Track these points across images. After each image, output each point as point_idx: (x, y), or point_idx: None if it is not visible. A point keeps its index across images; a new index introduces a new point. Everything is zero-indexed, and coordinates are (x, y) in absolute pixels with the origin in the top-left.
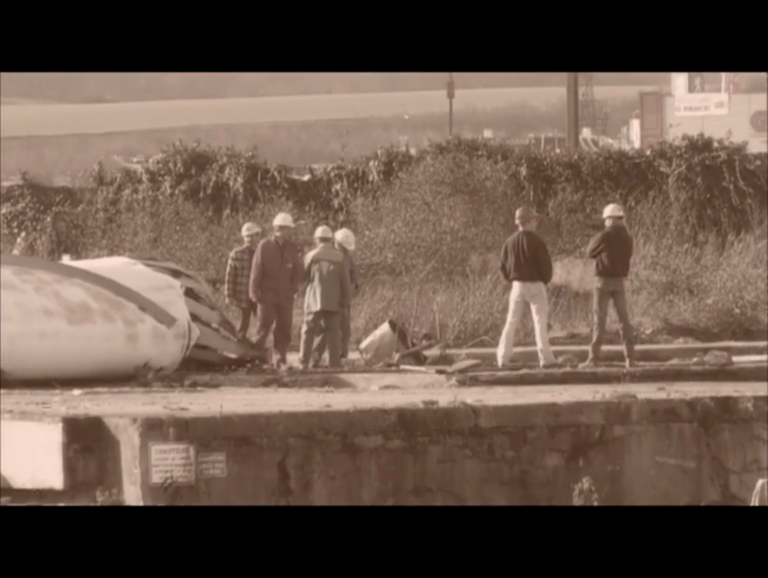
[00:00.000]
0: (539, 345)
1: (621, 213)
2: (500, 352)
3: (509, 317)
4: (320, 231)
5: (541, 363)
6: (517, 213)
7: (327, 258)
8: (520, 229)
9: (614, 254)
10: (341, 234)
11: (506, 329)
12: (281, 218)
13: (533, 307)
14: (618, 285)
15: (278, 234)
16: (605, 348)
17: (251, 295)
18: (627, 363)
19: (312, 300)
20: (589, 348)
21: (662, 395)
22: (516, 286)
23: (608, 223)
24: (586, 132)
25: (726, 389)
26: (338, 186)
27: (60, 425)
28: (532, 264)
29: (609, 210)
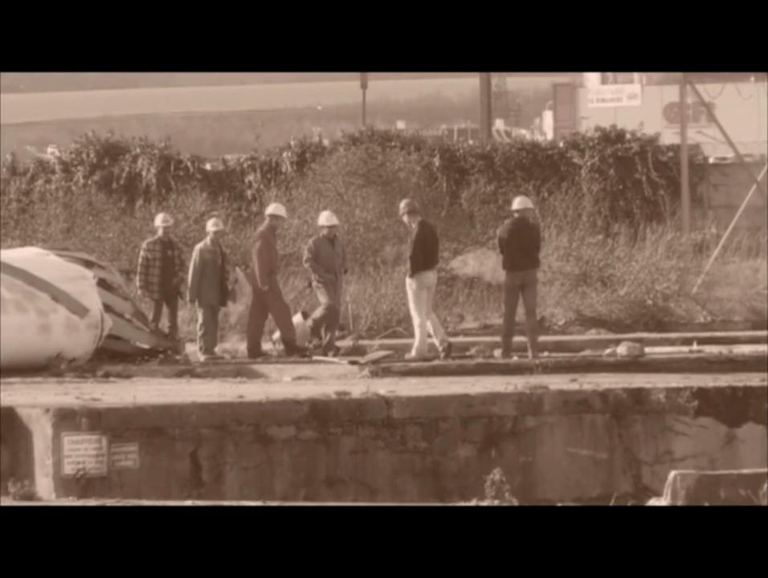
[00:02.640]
0: (439, 332)
1: (524, 206)
2: (423, 344)
3: (422, 312)
4: (211, 222)
5: (440, 348)
6: (405, 205)
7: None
8: (412, 219)
9: (514, 248)
10: (321, 217)
11: (422, 323)
12: (275, 208)
13: (430, 295)
14: (526, 278)
15: (272, 223)
16: (519, 339)
17: (265, 285)
18: (529, 354)
19: (210, 292)
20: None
21: (574, 386)
22: (429, 274)
23: (515, 216)
24: (498, 124)
25: (638, 381)
26: (251, 177)
27: None
28: (435, 252)
29: (514, 203)
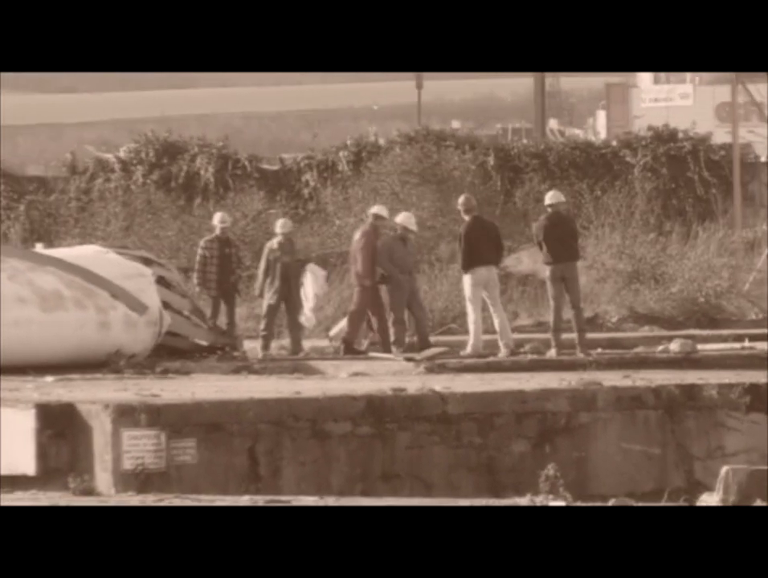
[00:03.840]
0: (505, 334)
1: (557, 200)
2: (478, 341)
3: (477, 309)
4: (280, 223)
5: (503, 351)
6: (463, 201)
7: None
8: (465, 215)
9: (554, 241)
10: (402, 217)
11: (477, 319)
12: (379, 208)
13: (493, 293)
14: (567, 270)
15: (375, 222)
16: (569, 336)
17: (371, 280)
18: (577, 351)
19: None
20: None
21: (627, 382)
22: (482, 270)
23: (549, 211)
24: (552, 123)
25: (691, 377)
26: (308, 176)
27: (33, 411)
28: (494, 248)
29: (546, 198)
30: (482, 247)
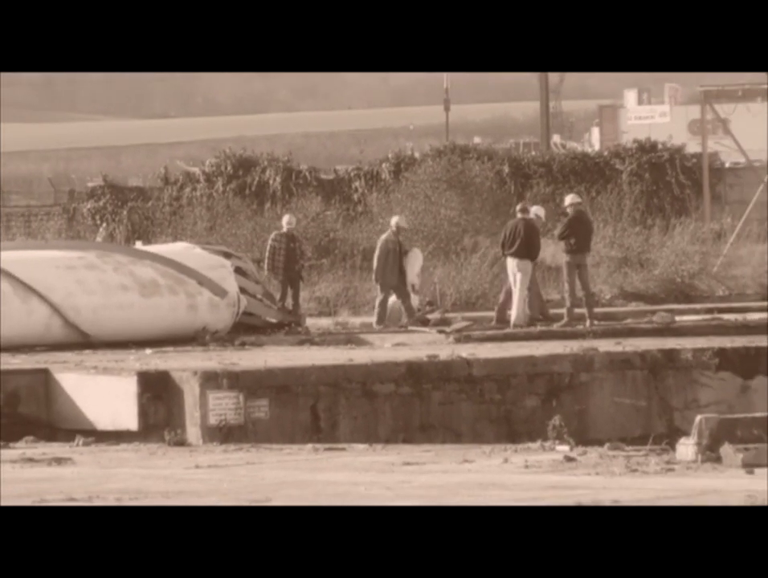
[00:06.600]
0: (514, 308)
1: (580, 200)
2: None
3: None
4: (395, 219)
5: (512, 322)
6: (519, 205)
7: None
8: (520, 216)
9: (579, 235)
10: (535, 208)
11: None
12: (527, 203)
13: (517, 278)
14: (583, 260)
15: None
16: (580, 310)
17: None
18: (587, 322)
19: (392, 276)
20: (563, 311)
21: (619, 348)
22: (509, 261)
23: (570, 210)
24: (555, 138)
25: (670, 343)
26: (357, 184)
27: (135, 378)
28: (524, 245)
29: (569, 199)
30: (511, 241)
